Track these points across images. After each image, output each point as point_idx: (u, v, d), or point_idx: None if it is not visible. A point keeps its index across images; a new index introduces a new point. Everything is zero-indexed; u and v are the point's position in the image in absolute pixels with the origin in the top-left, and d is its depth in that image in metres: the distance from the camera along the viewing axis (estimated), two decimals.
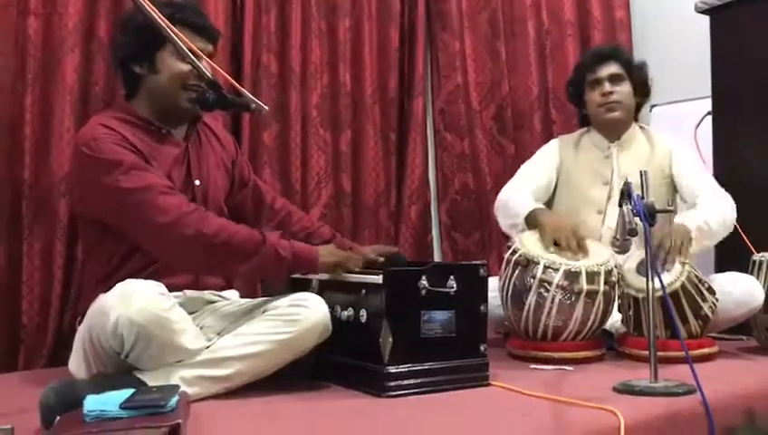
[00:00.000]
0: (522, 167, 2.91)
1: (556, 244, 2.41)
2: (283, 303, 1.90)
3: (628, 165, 2.71)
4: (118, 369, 1.79)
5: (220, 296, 2.17)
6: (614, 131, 2.81)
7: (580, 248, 2.40)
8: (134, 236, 1.96)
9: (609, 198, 2.72)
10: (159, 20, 1.81)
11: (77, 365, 1.88)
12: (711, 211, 2.56)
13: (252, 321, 1.91)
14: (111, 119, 2.00)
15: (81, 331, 1.88)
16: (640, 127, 2.87)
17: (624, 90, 2.78)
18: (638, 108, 2.88)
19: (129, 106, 2.07)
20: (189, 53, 1.90)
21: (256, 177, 2.44)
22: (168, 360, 1.77)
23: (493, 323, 2.51)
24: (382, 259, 2.13)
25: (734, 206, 2.59)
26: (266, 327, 1.86)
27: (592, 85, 2.81)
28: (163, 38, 1.91)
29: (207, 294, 2.14)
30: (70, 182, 2.30)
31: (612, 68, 2.78)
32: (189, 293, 2.07)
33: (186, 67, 2.00)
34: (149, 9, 1.79)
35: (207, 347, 1.83)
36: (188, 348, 1.79)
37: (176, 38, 1.86)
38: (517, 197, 2.70)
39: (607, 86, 2.76)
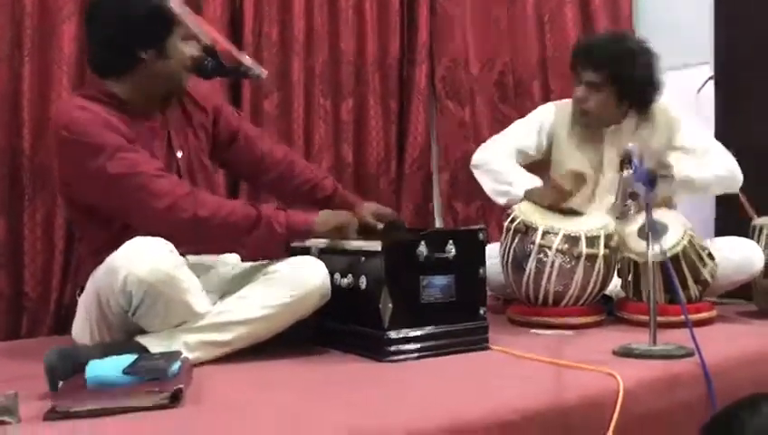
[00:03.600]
0: (511, 127, 2.80)
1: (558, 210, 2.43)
2: (284, 266, 1.91)
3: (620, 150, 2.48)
4: (123, 334, 1.80)
5: (220, 261, 2.16)
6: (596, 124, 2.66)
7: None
8: (126, 220, 1.91)
9: (596, 184, 2.64)
10: None
11: (80, 333, 1.89)
12: (709, 167, 2.50)
13: (252, 284, 1.92)
14: (84, 99, 1.90)
15: (86, 296, 1.89)
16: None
17: (599, 99, 2.56)
18: (635, 107, 2.62)
19: (102, 85, 1.96)
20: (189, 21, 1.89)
21: (251, 126, 2.32)
22: (172, 320, 1.79)
23: (494, 289, 2.52)
24: (381, 225, 2.12)
25: (735, 169, 2.54)
26: (267, 291, 1.87)
27: (575, 79, 2.63)
28: (173, 24, 1.89)
29: (207, 260, 2.12)
30: (54, 168, 2.10)
31: (591, 75, 2.54)
32: (190, 258, 2.03)
33: (196, 52, 1.98)
34: None
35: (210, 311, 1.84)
36: (194, 308, 1.80)
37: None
38: (504, 162, 2.66)
39: (579, 91, 2.58)
